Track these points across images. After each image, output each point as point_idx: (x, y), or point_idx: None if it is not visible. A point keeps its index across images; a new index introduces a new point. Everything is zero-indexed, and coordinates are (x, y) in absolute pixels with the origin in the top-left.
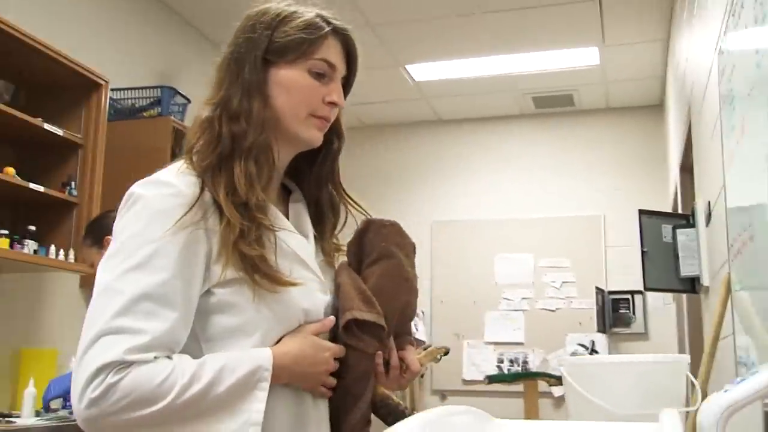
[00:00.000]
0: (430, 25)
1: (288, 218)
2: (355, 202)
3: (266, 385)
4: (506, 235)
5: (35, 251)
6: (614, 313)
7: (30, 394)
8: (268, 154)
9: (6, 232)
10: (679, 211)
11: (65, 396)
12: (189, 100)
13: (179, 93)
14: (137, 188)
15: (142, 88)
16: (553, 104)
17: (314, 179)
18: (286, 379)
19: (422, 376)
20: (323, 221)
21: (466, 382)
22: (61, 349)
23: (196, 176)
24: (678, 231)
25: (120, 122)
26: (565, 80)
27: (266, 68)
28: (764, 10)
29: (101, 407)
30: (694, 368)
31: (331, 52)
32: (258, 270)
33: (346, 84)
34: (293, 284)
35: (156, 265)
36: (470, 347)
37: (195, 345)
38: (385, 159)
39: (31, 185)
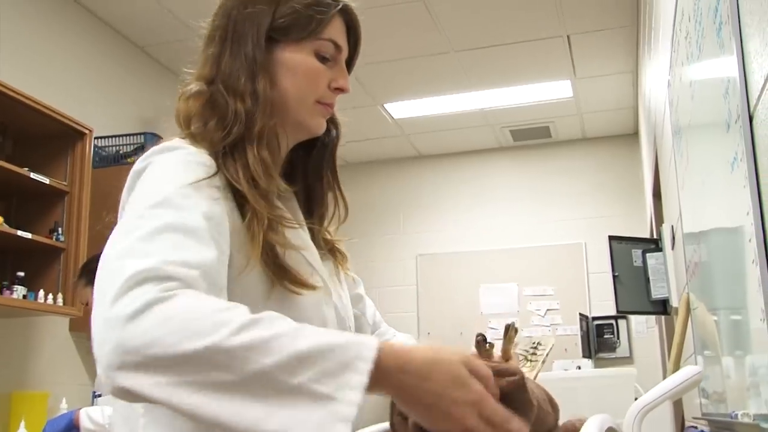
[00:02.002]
0: (406, 64)
1: None
2: (343, 196)
3: (365, 367)
4: (490, 265)
5: (24, 296)
6: (599, 339)
7: None
8: (276, 141)
9: None
10: (654, 236)
11: None
12: None
13: (162, 139)
14: (147, 157)
15: (125, 135)
16: (530, 136)
17: (314, 168)
18: (394, 389)
19: None
20: (312, 214)
21: None
22: (52, 392)
23: (206, 153)
24: (648, 255)
25: (105, 169)
26: (540, 113)
27: (269, 46)
28: (691, 50)
29: (136, 327)
30: None
31: (338, 31)
32: (283, 267)
33: (350, 64)
34: (313, 287)
35: (180, 202)
36: None
37: None
38: (369, 196)
39: (19, 232)
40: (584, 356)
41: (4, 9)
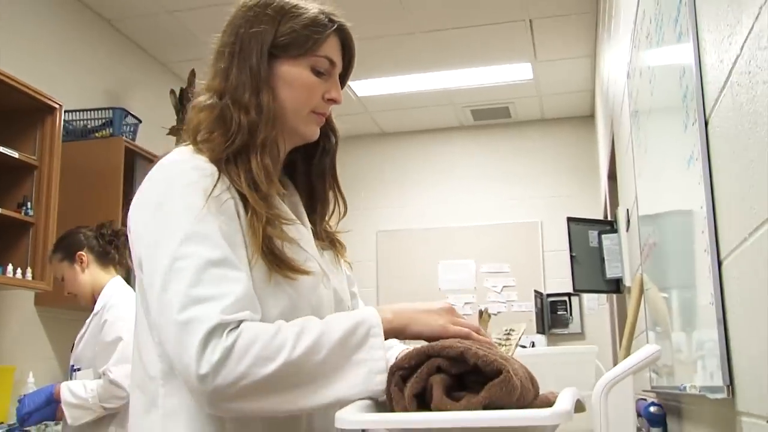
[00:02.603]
0: (372, 44)
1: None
2: (343, 196)
3: (379, 330)
4: (449, 242)
5: None
6: (552, 315)
7: None
8: (276, 147)
9: None
10: (608, 217)
11: (38, 411)
12: (140, 120)
13: (130, 114)
14: (156, 172)
15: (94, 109)
16: (490, 116)
17: (316, 172)
18: (400, 322)
19: None
20: (315, 211)
21: None
22: (19, 366)
23: (208, 162)
24: (603, 236)
25: (73, 143)
26: (501, 94)
27: (270, 62)
28: (652, 49)
29: (225, 372)
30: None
31: (333, 49)
32: (279, 256)
33: (343, 78)
34: (307, 272)
35: (203, 233)
36: None
37: None
38: None
39: None
40: (538, 332)
41: None
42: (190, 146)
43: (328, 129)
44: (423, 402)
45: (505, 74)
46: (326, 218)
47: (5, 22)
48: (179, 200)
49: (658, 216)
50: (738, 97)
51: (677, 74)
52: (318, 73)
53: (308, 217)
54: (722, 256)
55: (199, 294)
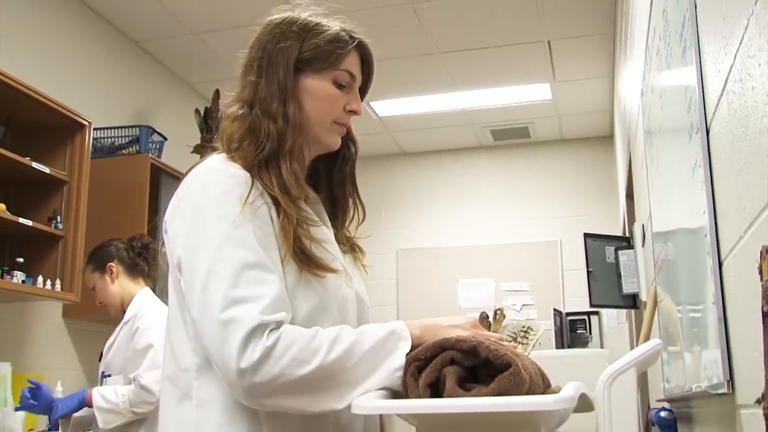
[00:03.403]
0: (393, 64)
1: None
2: (361, 202)
3: (407, 344)
4: (468, 261)
5: (23, 281)
6: (572, 333)
7: (18, 417)
8: (301, 155)
9: None
10: (627, 234)
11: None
12: (165, 138)
13: (156, 132)
14: (193, 179)
15: (121, 127)
16: (510, 136)
17: (337, 180)
18: (428, 338)
19: None
20: (336, 217)
21: None
22: (46, 375)
23: (241, 169)
24: (620, 252)
25: (101, 160)
26: (520, 114)
27: (296, 75)
28: (661, 65)
29: (263, 370)
30: None
31: (353, 64)
32: (309, 256)
33: (363, 91)
34: (334, 270)
35: (239, 237)
36: None
37: None
38: None
39: (20, 220)
40: (557, 350)
41: (6, 3)
42: (224, 154)
43: (348, 139)
44: (436, 392)
45: (524, 94)
46: (346, 224)
47: (39, 43)
48: (216, 207)
49: (669, 229)
50: (732, 104)
51: (683, 87)
52: (339, 86)
53: (330, 223)
54: (722, 256)
55: (238, 295)
